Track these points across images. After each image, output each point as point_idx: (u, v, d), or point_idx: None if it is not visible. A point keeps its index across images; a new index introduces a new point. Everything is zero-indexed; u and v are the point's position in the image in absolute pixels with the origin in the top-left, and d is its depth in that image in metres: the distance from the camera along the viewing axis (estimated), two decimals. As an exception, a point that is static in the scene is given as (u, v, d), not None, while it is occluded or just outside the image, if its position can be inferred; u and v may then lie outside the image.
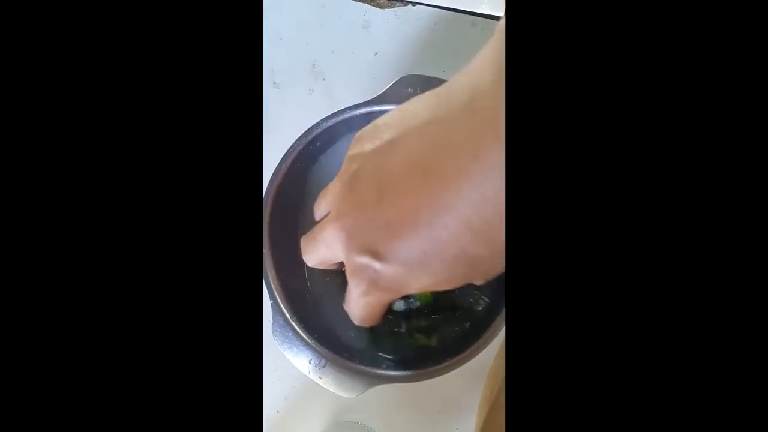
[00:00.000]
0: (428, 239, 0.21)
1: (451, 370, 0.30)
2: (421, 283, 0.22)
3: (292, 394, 0.40)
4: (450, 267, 0.21)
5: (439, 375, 0.30)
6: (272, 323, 0.32)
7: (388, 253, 0.22)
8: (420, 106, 0.22)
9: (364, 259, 0.23)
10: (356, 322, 0.27)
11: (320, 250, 0.26)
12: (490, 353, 0.36)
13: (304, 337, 0.32)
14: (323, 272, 0.32)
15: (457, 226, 0.20)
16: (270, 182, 0.34)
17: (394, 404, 0.39)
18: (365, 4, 0.46)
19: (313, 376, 0.32)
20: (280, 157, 0.34)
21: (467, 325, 0.33)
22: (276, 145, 0.35)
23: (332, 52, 0.45)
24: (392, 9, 0.45)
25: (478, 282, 0.23)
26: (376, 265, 0.22)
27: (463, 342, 0.31)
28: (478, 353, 0.30)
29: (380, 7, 0.45)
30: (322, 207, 0.27)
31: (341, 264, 0.26)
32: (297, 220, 0.35)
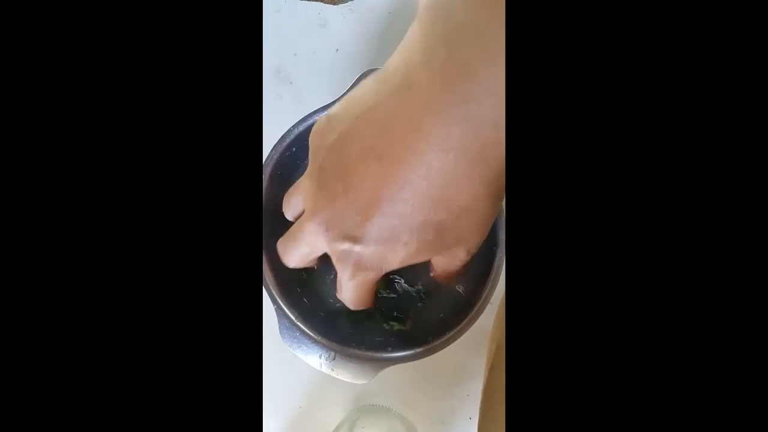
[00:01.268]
0: (394, 215, 0.23)
1: (452, 342, 0.32)
2: (398, 255, 0.24)
3: (310, 388, 0.42)
4: (420, 236, 0.23)
5: (443, 348, 0.32)
6: (279, 326, 0.34)
7: (364, 235, 0.24)
8: (364, 92, 0.24)
9: (345, 245, 0.24)
10: (351, 306, 0.29)
11: (302, 248, 0.27)
12: (489, 318, 0.38)
13: (311, 334, 0.34)
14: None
15: (414, 196, 0.22)
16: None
17: (408, 381, 0.41)
18: (319, 3, 0.46)
19: (326, 370, 0.33)
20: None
21: (442, 314, 0.35)
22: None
23: (294, 54, 0.46)
24: (346, 4, 0.46)
25: (462, 255, 0.25)
26: (356, 248, 0.24)
27: (459, 313, 0.33)
28: (474, 322, 0.32)
29: (334, 4, 0.46)
30: (291, 205, 0.29)
31: (317, 259, 0.28)
32: (284, 225, 0.37)
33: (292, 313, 0.34)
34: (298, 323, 0.34)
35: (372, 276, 0.26)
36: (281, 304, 0.34)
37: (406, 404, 0.41)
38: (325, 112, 0.26)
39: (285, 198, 0.30)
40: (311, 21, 0.46)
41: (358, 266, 0.25)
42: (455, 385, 0.41)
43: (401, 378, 0.41)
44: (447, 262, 0.26)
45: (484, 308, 0.32)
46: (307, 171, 0.26)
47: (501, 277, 0.32)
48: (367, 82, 0.24)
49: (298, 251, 0.28)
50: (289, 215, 0.30)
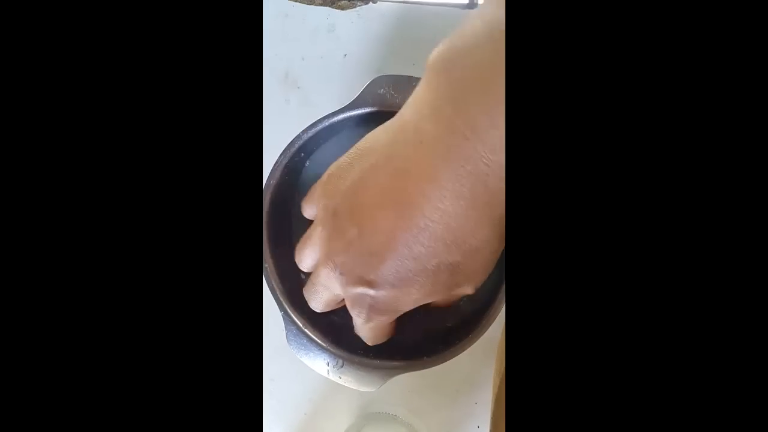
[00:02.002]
0: (409, 258, 0.24)
1: (460, 352, 0.32)
2: (413, 297, 0.25)
3: (315, 395, 0.42)
4: (434, 278, 0.24)
5: (451, 358, 0.32)
6: (286, 333, 0.34)
7: (378, 279, 0.24)
8: (376, 142, 0.25)
9: (359, 290, 0.25)
10: (370, 343, 0.31)
11: (322, 294, 0.28)
12: (498, 328, 0.37)
13: (319, 341, 0.33)
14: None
15: (430, 240, 0.23)
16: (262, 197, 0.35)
17: (415, 390, 0.41)
18: (327, 8, 0.46)
19: (333, 377, 0.33)
20: (269, 171, 0.35)
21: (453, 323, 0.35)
22: (265, 159, 0.36)
23: (302, 59, 0.46)
24: (354, 9, 0.46)
25: (469, 291, 0.26)
26: (371, 292, 0.25)
27: (468, 324, 0.32)
28: (485, 331, 0.32)
29: (342, 9, 0.46)
30: (304, 256, 0.29)
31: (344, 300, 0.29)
32: (291, 230, 0.36)
33: (299, 319, 0.33)
34: (306, 330, 0.33)
35: (388, 318, 0.27)
36: (288, 310, 0.34)
37: (413, 412, 0.41)
38: (334, 163, 0.27)
39: (297, 249, 0.30)
40: (319, 26, 0.46)
41: (374, 310, 0.26)
42: (463, 393, 0.40)
43: (408, 386, 0.40)
44: (453, 296, 0.27)
45: (495, 318, 0.32)
46: (317, 220, 0.27)
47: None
48: (377, 133, 0.25)
49: (319, 297, 0.29)
50: (303, 267, 0.30)
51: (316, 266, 0.28)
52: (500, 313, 0.32)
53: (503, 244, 0.25)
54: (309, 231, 0.28)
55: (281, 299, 0.34)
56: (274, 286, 0.34)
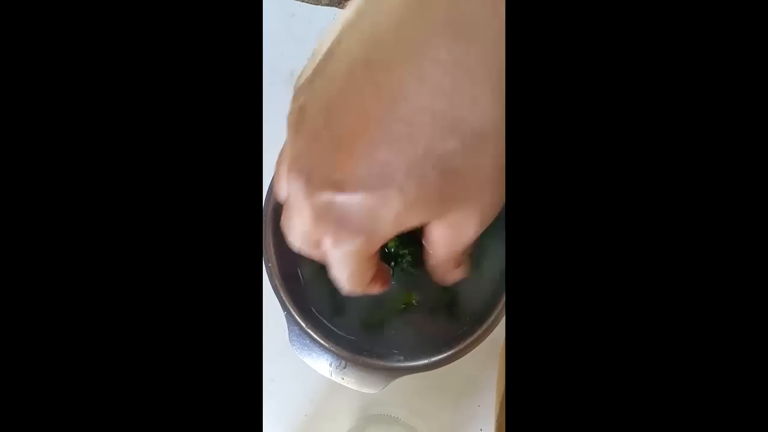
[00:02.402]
0: (385, 142, 0.17)
1: (464, 354, 0.31)
2: (393, 208, 0.18)
3: (317, 396, 0.41)
4: (420, 176, 0.18)
5: (454, 360, 0.32)
6: (288, 333, 0.34)
7: (347, 179, 0.18)
8: (348, 9, 0.19)
9: (325, 196, 0.19)
10: (346, 288, 0.23)
11: (295, 221, 0.21)
12: (502, 330, 0.37)
13: (322, 342, 0.33)
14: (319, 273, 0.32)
15: (413, 113, 0.17)
16: (266, 199, 0.35)
17: (417, 392, 0.40)
18: (333, 8, 0.46)
19: (335, 378, 0.33)
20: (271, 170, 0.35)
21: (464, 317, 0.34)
22: (268, 160, 0.36)
23: (308, 59, 0.46)
24: (360, 9, 0.46)
25: (470, 224, 0.19)
26: (338, 198, 0.19)
27: (474, 325, 0.32)
28: (489, 334, 0.32)
29: (348, 9, 0.46)
30: (281, 174, 0.22)
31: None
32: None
33: (302, 319, 0.33)
34: (309, 330, 0.33)
35: (364, 242, 0.20)
36: (291, 310, 0.33)
37: (415, 414, 0.40)
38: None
39: (275, 174, 0.23)
40: (326, 26, 0.46)
41: (344, 227, 0.19)
42: (466, 396, 0.40)
43: (410, 388, 0.40)
44: (452, 235, 0.20)
45: (499, 321, 0.31)
46: (287, 125, 0.21)
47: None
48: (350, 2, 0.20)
49: (293, 225, 0.21)
50: (281, 195, 0.23)
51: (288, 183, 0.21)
52: (504, 315, 0.32)
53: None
54: (282, 146, 0.22)
55: (284, 299, 0.34)
56: (278, 285, 0.34)
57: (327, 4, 0.46)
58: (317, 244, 0.21)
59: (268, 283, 0.34)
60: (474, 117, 0.17)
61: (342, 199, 0.18)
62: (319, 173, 0.19)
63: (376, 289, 0.24)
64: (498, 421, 0.29)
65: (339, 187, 0.18)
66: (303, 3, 0.46)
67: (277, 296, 0.34)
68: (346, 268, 0.21)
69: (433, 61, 0.17)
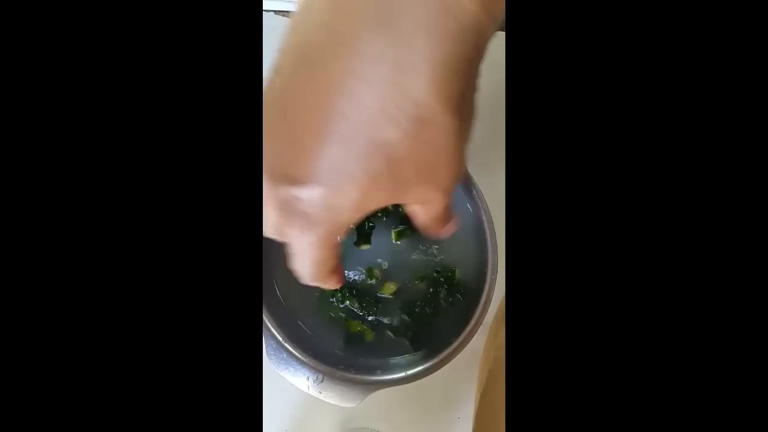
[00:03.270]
0: (331, 137, 0.19)
1: (441, 367, 0.31)
2: (349, 197, 0.20)
3: (297, 410, 0.41)
4: (369, 166, 0.19)
5: (432, 373, 0.32)
6: (266, 347, 0.33)
7: (303, 174, 0.19)
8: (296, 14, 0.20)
9: (285, 190, 0.20)
10: (308, 279, 0.24)
11: (269, 214, 0.22)
12: (481, 341, 0.37)
13: (298, 356, 0.33)
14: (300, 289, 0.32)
15: (351, 108, 0.18)
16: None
17: (397, 404, 0.40)
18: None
19: (313, 392, 0.33)
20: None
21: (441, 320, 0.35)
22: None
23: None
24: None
25: (436, 197, 0.21)
26: (297, 192, 0.20)
27: (450, 337, 0.32)
28: (466, 345, 0.32)
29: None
30: None
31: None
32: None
33: (279, 334, 0.33)
34: (286, 344, 0.33)
35: (325, 232, 0.21)
36: (269, 324, 0.33)
37: (394, 427, 0.40)
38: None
39: None
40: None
41: (305, 218, 0.20)
42: (445, 408, 0.40)
43: (390, 401, 0.40)
44: (422, 209, 0.22)
45: (476, 332, 0.32)
46: None
47: (493, 300, 0.32)
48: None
49: (264, 215, 0.22)
50: None
51: None
52: (482, 327, 0.32)
53: (468, 127, 0.20)
54: None
55: (261, 313, 0.33)
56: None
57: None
58: (285, 234, 0.22)
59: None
60: (409, 106, 0.18)
61: (301, 193, 0.20)
62: (279, 169, 0.20)
63: (332, 283, 0.25)
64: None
65: (297, 181, 0.20)
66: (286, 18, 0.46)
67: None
68: (308, 258, 0.23)
69: (363, 56, 0.18)
